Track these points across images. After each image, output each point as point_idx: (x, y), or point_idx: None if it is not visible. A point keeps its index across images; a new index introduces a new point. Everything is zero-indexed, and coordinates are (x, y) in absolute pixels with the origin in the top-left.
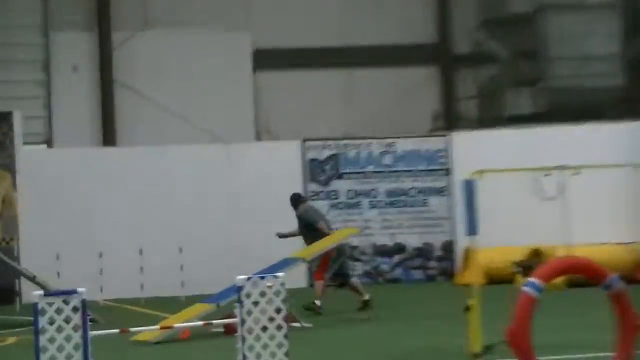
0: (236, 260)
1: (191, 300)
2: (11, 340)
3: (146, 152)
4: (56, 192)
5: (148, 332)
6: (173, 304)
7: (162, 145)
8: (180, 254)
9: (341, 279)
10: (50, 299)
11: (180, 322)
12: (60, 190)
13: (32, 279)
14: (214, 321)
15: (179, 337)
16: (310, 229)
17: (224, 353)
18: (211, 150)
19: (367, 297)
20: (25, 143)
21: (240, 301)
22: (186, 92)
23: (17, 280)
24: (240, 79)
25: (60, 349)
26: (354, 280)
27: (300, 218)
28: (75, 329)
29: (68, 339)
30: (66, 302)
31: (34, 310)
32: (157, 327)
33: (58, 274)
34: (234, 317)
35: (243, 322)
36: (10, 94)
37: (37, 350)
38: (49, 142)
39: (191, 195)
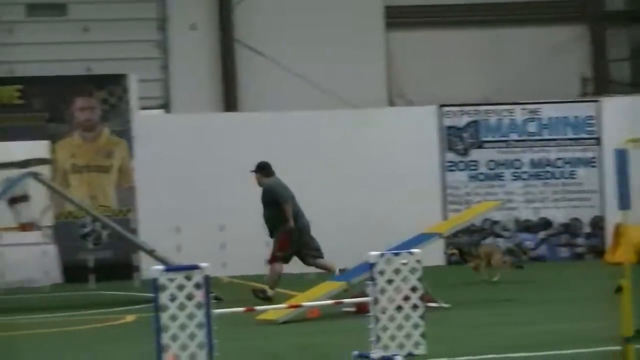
0: (366, 233)
1: (321, 277)
2: (130, 317)
3: (269, 118)
4: (175, 160)
5: (274, 310)
6: (301, 282)
7: (286, 110)
8: None
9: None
10: (171, 275)
11: (309, 300)
12: (179, 158)
13: (151, 252)
14: (345, 300)
15: (307, 316)
16: (272, 206)
17: (356, 334)
18: (339, 116)
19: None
20: (141, 108)
21: (372, 279)
22: (311, 53)
23: (135, 255)
24: (370, 38)
25: (182, 327)
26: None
27: (266, 192)
28: (198, 306)
29: (190, 317)
30: (188, 278)
31: (154, 286)
32: (285, 305)
33: (178, 247)
34: (366, 296)
35: (376, 301)
36: (124, 56)
37: (158, 329)
38: (166, 107)
39: (317, 164)
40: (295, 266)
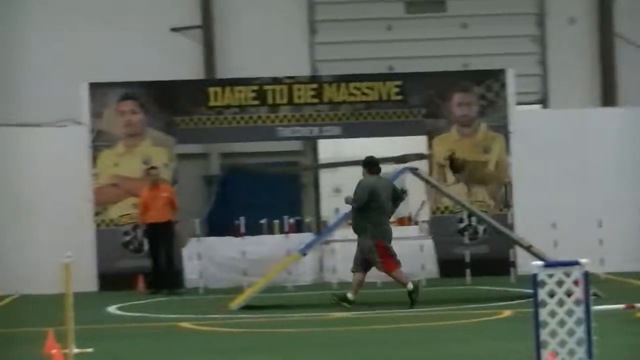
0: None
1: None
2: (506, 313)
3: None
4: (551, 156)
5: None
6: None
7: None
8: None
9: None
10: (550, 270)
11: None
12: (556, 153)
13: (528, 248)
14: None
15: None
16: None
17: None
18: None
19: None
20: (518, 103)
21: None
22: None
23: (511, 250)
24: None
25: (561, 323)
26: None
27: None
28: (577, 302)
29: (569, 313)
30: (567, 274)
31: (533, 281)
32: None
33: (554, 243)
34: None
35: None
36: (502, 51)
37: (537, 324)
38: (543, 102)
39: None
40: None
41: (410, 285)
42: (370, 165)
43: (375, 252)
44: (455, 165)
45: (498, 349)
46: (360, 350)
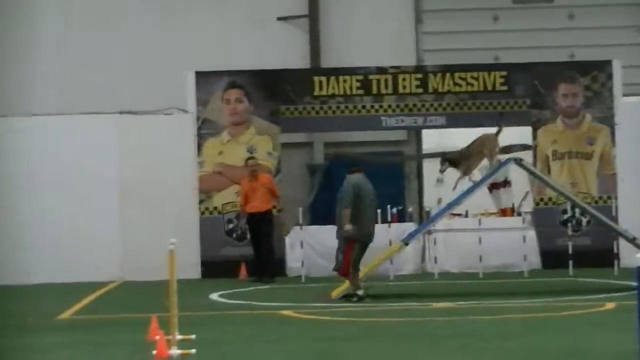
0: None
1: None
2: (610, 305)
3: None
4: None
5: None
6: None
7: None
8: None
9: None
10: None
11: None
12: None
13: (632, 240)
14: None
15: None
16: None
17: None
18: None
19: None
20: (624, 94)
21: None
22: None
23: (615, 242)
24: None
25: None
26: None
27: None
28: None
29: None
30: None
31: (638, 274)
32: None
33: None
34: None
35: None
36: (608, 42)
37: None
38: None
39: None
40: None
41: (360, 292)
42: (353, 166)
43: (342, 249)
44: None
45: (604, 340)
46: (463, 341)
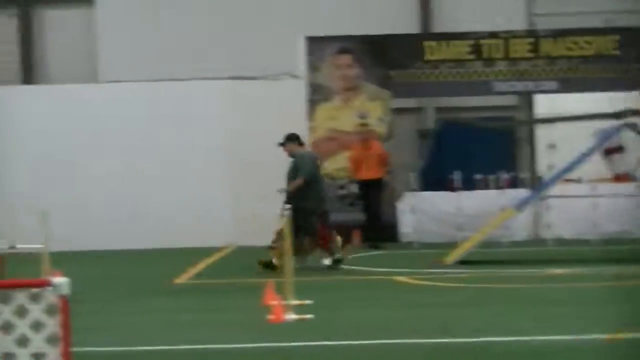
0: None
1: None
2: None
3: None
4: None
5: None
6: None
7: None
8: None
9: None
10: None
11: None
12: None
13: None
14: None
15: None
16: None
17: None
18: None
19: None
20: None
21: None
22: None
23: None
24: None
25: None
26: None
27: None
28: None
29: None
30: None
31: None
32: None
33: None
34: None
35: None
36: None
37: None
38: None
39: None
40: None
41: (338, 255)
42: (299, 139)
43: (316, 221)
44: None
45: None
46: (579, 308)
